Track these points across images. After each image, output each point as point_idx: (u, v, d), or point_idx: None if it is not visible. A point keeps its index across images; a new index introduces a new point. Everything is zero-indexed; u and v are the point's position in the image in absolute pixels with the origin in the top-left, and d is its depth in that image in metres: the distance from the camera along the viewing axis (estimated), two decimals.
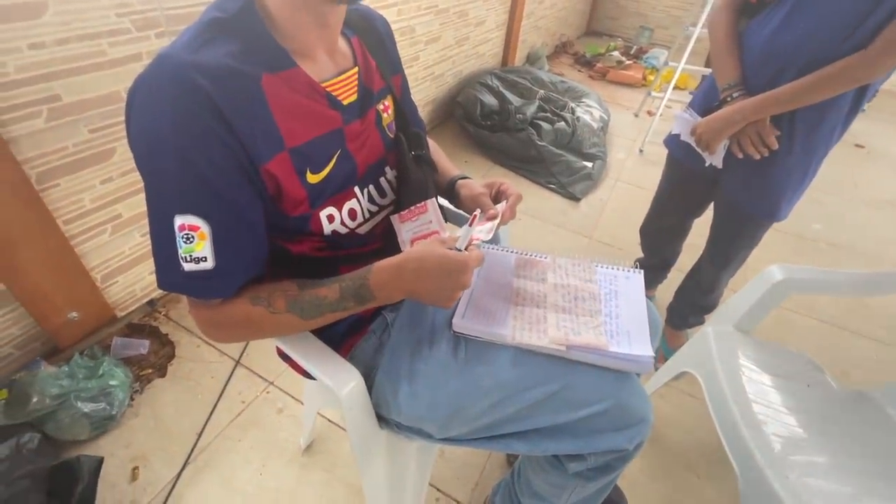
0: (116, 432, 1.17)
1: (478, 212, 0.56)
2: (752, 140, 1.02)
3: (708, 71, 3.29)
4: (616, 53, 4.08)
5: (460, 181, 0.78)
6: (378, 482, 0.81)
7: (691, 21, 2.80)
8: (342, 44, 0.63)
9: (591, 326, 0.64)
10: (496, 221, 0.65)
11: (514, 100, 2.78)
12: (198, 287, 0.52)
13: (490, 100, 2.69)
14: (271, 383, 1.32)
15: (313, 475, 1.12)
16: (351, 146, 0.61)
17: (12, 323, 1.17)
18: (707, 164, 1.14)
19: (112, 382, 1.18)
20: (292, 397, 1.29)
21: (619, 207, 2.32)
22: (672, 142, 1.29)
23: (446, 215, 0.81)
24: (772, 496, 0.74)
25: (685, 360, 1.08)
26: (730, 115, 1.01)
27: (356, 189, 0.64)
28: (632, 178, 2.58)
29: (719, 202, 1.26)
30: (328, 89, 0.58)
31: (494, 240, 0.95)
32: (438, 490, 1.12)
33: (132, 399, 1.23)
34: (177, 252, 0.49)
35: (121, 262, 1.34)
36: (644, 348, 0.61)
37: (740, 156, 1.06)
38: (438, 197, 0.74)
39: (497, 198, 0.73)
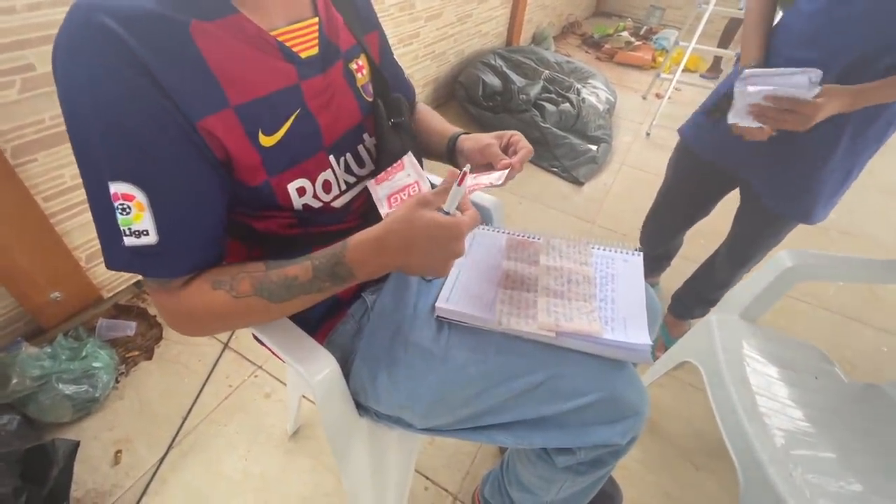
0: (100, 415, 1.14)
1: (467, 168, 0.48)
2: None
3: (720, 51, 3.16)
4: (625, 34, 3.95)
5: (463, 136, 0.70)
6: (358, 472, 0.77)
7: None
8: None
9: (585, 312, 0.59)
10: (506, 172, 0.58)
11: (518, 80, 2.69)
12: (145, 264, 0.45)
13: (493, 80, 2.61)
14: (260, 367, 1.29)
15: (299, 461, 1.10)
16: (311, 104, 0.54)
17: None
18: (730, 123, 0.93)
19: (96, 364, 1.15)
20: (280, 382, 1.26)
21: (624, 192, 2.25)
22: (689, 130, 1.18)
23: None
24: (774, 493, 0.70)
25: (687, 349, 1.03)
26: (826, 106, 0.83)
27: (331, 158, 0.58)
28: (637, 162, 2.51)
29: (747, 201, 1.17)
30: (280, 38, 0.51)
31: (486, 220, 0.90)
32: (427, 478, 1.09)
33: (117, 381, 1.21)
34: (117, 225, 0.43)
35: None
36: (641, 336, 0.57)
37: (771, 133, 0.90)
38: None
39: (507, 150, 0.65)
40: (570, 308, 0.60)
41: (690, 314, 1.45)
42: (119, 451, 1.07)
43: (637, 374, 0.60)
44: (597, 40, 4.00)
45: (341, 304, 0.67)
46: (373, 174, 0.65)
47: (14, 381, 1.04)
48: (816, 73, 0.79)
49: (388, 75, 0.68)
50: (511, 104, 2.51)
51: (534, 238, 0.74)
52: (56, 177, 1.13)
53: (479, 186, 0.54)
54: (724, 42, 3.40)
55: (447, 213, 0.48)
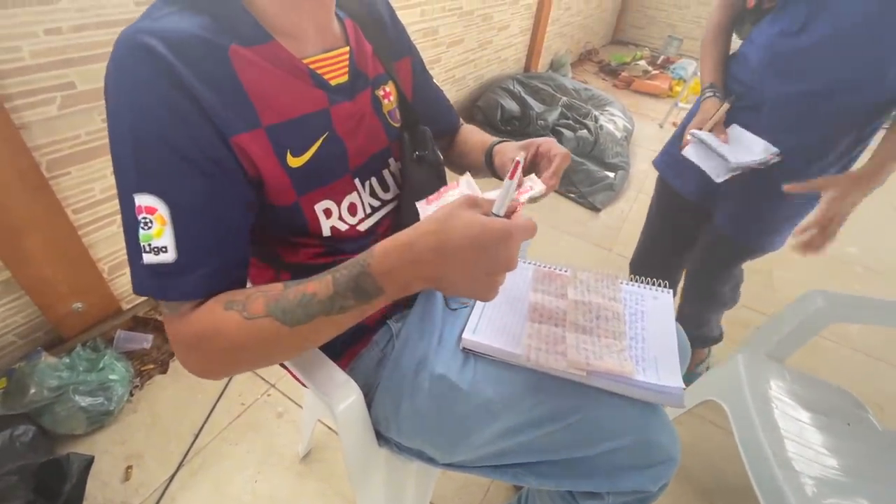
0: (113, 428, 1.14)
1: (520, 157, 0.42)
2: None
3: None
4: (642, 63, 3.99)
5: (497, 146, 0.67)
6: (374, 502, 0.76)
7: None
8: (334, 23, 0.57)
9: (615, 350, 0.58)
10: (541, 188, 0.54)
11: (536, 105, 2.72)
12: (160, 286, 0.43)
13: (511, 105, 2.64)
14: (273, 386, 1.28)
15: (309, 485, 1.08)
16: (339, 128, 0.55)
17: (17, 311, 1.15)
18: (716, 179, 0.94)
19: (112, 377, 1.15)
20: (293, 402, 1.25)
21: (641, 220, 2.20)
22: (662, 162, 1.16)
23: None
24: None
25: (711, 387, 1.00)
26: (859, 191, 0.84)
27: (356, 181, 0.59)
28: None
29: (707, 232, 1.13)
30: (311, 66, 0.52)
31: None
32: None
33: (131, 394, 1.21)
34: (139, 242, 0.43)
35: None
36: (674, 378, 0.55)
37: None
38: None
39: (538, 162, 0.61)
40: (599, 345, 0.59)
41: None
42: (130, 467, 1.07)
43: (668, 417, 0.58)
44: (614, 68, 4.05)
45: (366, 331, 0.67)
46: (397, 198, 0.65)
47: (32, 391, 1.05)
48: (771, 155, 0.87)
49: (423, 100, 0.69)
50: (529, 129, 2.54)
51: (561, 270, 0.73)
52: (87, 190, 1.16)
53: (519, 204, 0.49)
54: None
55: (497, 216, 0.40)
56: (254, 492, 1.05)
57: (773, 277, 1.93)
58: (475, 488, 1.10)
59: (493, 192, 0.46)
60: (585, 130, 2.55)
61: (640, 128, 3.10)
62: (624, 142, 2.71)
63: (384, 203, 0.64)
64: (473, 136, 0.77)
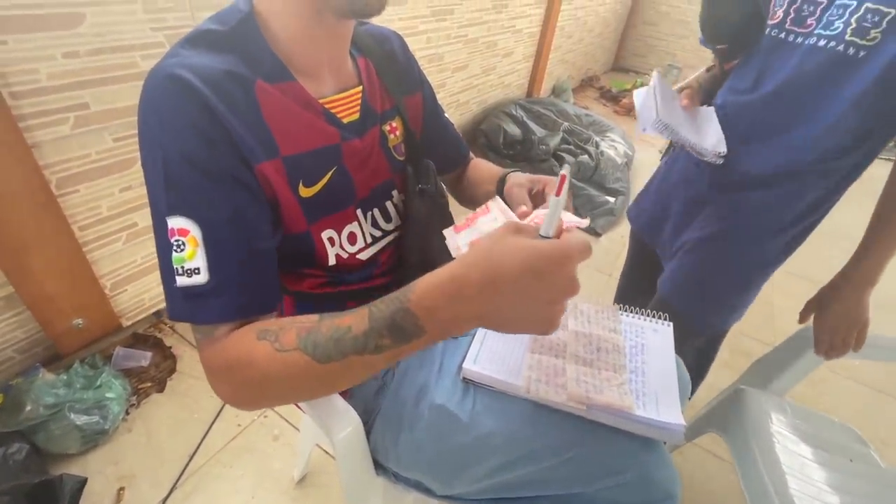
0: (107, 447, 1.13)
1: (566, 169, 0.39)
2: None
3: None
4: None
5: (510, 174, 0.67)
6: None
7: None
8: (348, 63, 0.60)
9: (615, 384, 0.58)
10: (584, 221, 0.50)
11: (538, 130, 2.77)
12: (194, 308, 0.44)
13: (513, 129, 2.68)
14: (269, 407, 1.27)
15: None
16: (348, 163, 0.57)
17: (17, 326, 1.16)
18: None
19: (109, 395, 1.14)
20: (290, 424, 1.24)
21: None
22: (634, 211, 1.13)
23: None
24: None
25: (712, 421, 1.00)
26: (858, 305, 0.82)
27: (358, 211, 0.60)
28: None
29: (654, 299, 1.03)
30: (327, 106, 0.55)
31: None
32: None
33: (127, 413, 1.20)
34: (171, 265, 0.44)
35: (132, 271, 1.33)
36: (674, 414, 0.55)
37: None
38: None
39: (541, 197, 0.61)
40: (599, 379, 0.59)
41: None
42: (122, 489, 1.05)
43: (668, 454, 0.58)
44: (615, 94, 4.12)
45: None
46: (400, 229, 0.66)
47: (28, 408, 1.04)
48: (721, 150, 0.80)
49: (432, 134, 0.71)
50: (531, 153, 2.57)
51: None
52: (94, 207, 1.17)
53: (566, 225, 0.45)
54: None
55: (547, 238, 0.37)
56: None
57: (774, 307, 1.93)
58: None
59: (540, 211, 0.45)
60: (586, 156, 2.58)
61: (641, 154, 3.14)
62: (625, 168, 2.75)
63: (386, 233, 0.65)
64: (483, 167, 0.78)
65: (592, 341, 0.65)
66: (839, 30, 0.70)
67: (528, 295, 0.35)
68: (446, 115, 0.78)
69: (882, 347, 0.89)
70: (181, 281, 0.44)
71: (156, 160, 0.43)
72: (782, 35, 0.78)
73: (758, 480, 0.78)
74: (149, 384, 1.28)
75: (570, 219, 0.48)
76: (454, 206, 0.81)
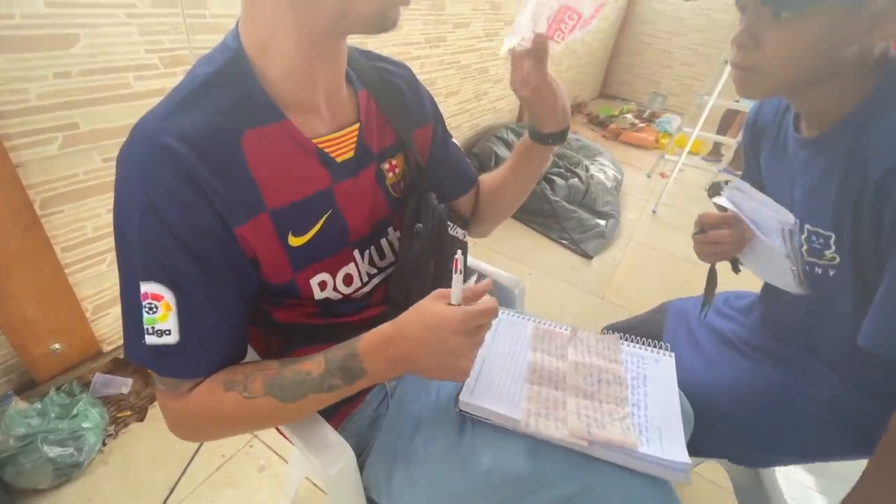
0: (81, 482, 1.07)
1: (458, 255, 0.48)
2: None
3: (720, 138, 3.29)
4: (629, 116, 4.18)
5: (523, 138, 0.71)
6: None
7: (706, 90, 2.86)
8: (346, 98, 0.58)
9: (617, 418, 0.56)
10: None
11: None
12: (161, 363, 0.46)
13: (505, 152, 2.72)
14: (255, 436, 1.22)
15: None
16: (342, 205, 0.56)
17: None
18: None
19: (85, 425, 1.09)
20: (277, 454, 1.19)
21: (633, 268, 2.26)
22: None
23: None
24: None
25: None
26: None
27: (355, 252, 0.59)
28: (645, 239, 2.54)
29: None
30: (320, 146, 0.53)
31: (509, 303, 0.89)
32: None
33: (104, 444, 1.14)
34: (141, 322, 0.45)
35: (115, 294, 1.28)
36: (679, 451, 0.54)
37: None
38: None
39: None
40: (601, 412, 0.58)
41: None
42: None
43: (674, 491, 0.56)
44: (603, 120, 4.22)
45: (360, 390, 0.65)
46: (393, 265, 0.65)
47: None
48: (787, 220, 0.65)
49: (440, 164, 0.70)
50: None
51: (561, 328, 0.72)
52: (78, 228, 1.14)
53: (485, 286, 0.52)
54: (723, 129, 3.58)
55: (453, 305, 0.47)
56: None
57: None
58: None
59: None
60: (577, 179, 2.62)
61: (629, 178, 3.19)
62: (614, 191, 2.79)
63: (381, 270, 0.64)
64: (496, 171, 0.78)
65: (593, 372, 0.64)
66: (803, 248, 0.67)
67: (434, 350, 0.47)
68: (454, 141, 0.77)
69: None
70: (151, 340, 0.45)
71: (132, 223, 0.43)
72: None
73: None
74: (128, 413, 1.22)
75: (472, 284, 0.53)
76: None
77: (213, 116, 0.45)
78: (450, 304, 0.48)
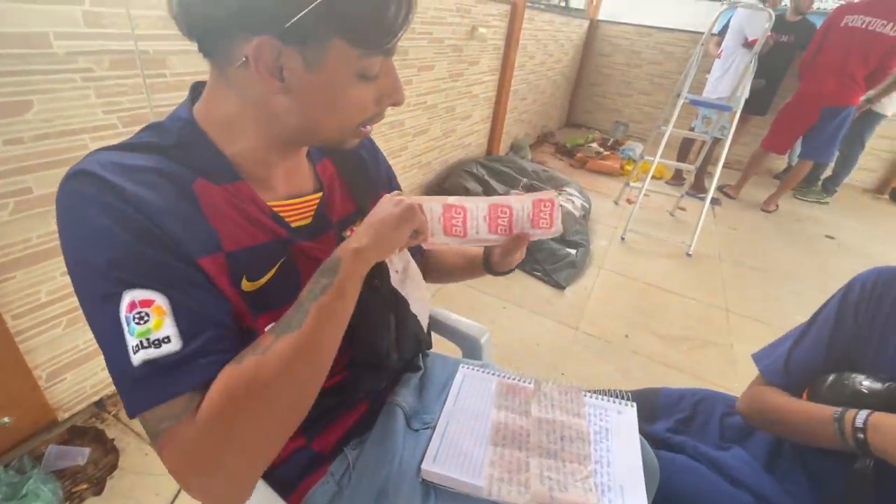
0: None
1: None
2: None
3: (680, 165, 3.43)
4: (594, 145, 4.34)
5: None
6: None
7: (663, 120, 3.01)
8: (305, 167, 0.60)
9: (580, 478, 0.57)
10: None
11: (499, 187, 2.87)
12: (162, 385, 0.40)
13: (475, 187, 2.77)
14: None
15: None
16: (299, 260, 0.56)
17: None
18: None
19: None
20: None
21: (605, 296, 2.30)
22: None
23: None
24: None
25: None
26: None
27: None
28: (615, 265, 2.60)
29: None
30: (275, 209, 0.54)
31: (475, 353, 0.89)
32: None
33: None
34: (127, 350, 0.40)
35: (73, 357, 1.23)
36: None
37: None
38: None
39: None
40: (563, 473, 0.58)
41: None
42: None
43: None
44: (569, 149, 4.37)
45: (321, 460, 0.63)
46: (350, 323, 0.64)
47: None
48: None
49: None
50: None
51: (525, 382, 0.73)
52: (31, 293, 1.10)
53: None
54: (682, 156, 3.75)
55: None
56: None
57: (735, 350, 1.99)
58: None
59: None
60: None
61: (597, 205, 3.29)
62: (583, 220, 2.86)
63: None
64: (455, 254, 0.83)
65: (556, 429, 0.64)
66: None
67: (381, 214, 0.55)
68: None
69: None
70: (144, 355, 0.40)
71: (99, 243, 0.41)
72: None
73: None
74: (84, 486, 1.15)
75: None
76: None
77: (163, 162, 0.46)
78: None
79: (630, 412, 0.68)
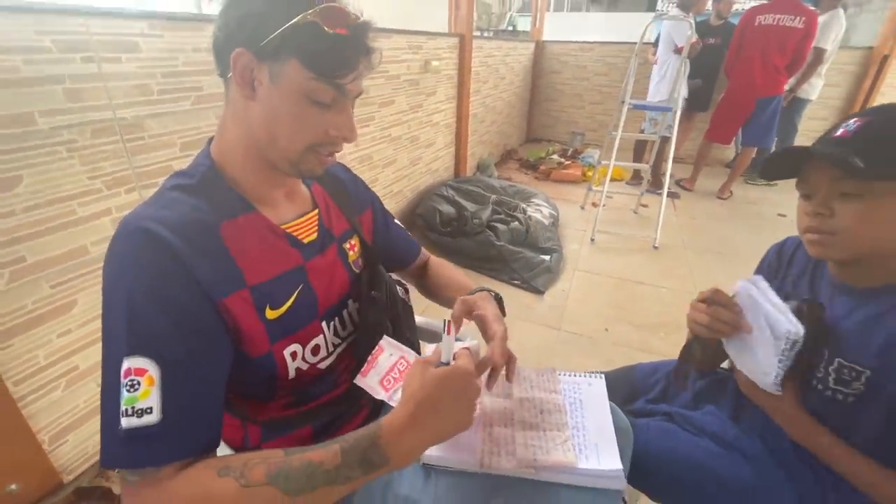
0: None
1: (448, 318, 0.56)
2: None
3: (636, 165, 3.63)
4: (555, 156, 4.56)
5: (470, 295, 0.73)
6: None
7: (613, 126, 3.22)
8: (302, 189, 0.70)
9: (559, 442, 0.65)
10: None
11: (470, 206, 3.00)
12: (137, 452, 0.43)
13: (447, 209, 2.89)
14: None
15: None
16: (313, 281, 0.65)
17: None
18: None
19: None
20: None
21: (581, 296, 2.42)
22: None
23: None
24: None
25: None
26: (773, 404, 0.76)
27: (322, 324, 0.67)
28: (589, 266, 2.74)
29: None
30: (288, 230, 0.64)
31: None
32: None
33: None
34: (119, 407, 0.44)
35: (73, 418, 1.26)
36: (613, 461, 0.63)
37: None
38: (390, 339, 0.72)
39: (478, 323, 0.70)
40: (545, 440, 0.66)
41: None
42: None
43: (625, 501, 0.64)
44: (532, 163, 4.57)
45: None
46: (353, 334, 0.73)
47: None
48: (796, 332, 0.66)
49: (383, 241, 0.82)
50: (466, 228, 2.76)
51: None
52: (30, 358, 1.14)
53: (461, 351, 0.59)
54: (638, 157, 3.99)
55: (447, 364, 0.55)
56: None
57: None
58: None
59: (431, 347, 0.63)
60: (517, 222, 2.81)
61: (565, 212, 3.45)
62: (553, 227, 3.00)
63: (343, 340, 0.72)
64: (448, 274, 0.91)
65: (536, 405, 0.73)
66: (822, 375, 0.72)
67: (454, 406, 0.52)
68: (396, 221, 0.90)
69: None
70: (127, 422, 0.43)
71: (120, 303, 0.47)
72: None
73: None
74: None
75: (459, 345, 0.63)
76: (417, 299, 0.91)
77: (192, 212, 0.54)
78: (441, 363, 0.55)
79: (599, 383, 0.77)
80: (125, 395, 0.44)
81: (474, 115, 3.81)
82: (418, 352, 0.78)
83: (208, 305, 0.52)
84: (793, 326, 0.66)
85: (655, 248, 2.93)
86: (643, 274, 2.64)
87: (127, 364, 0.45)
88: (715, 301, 0.75)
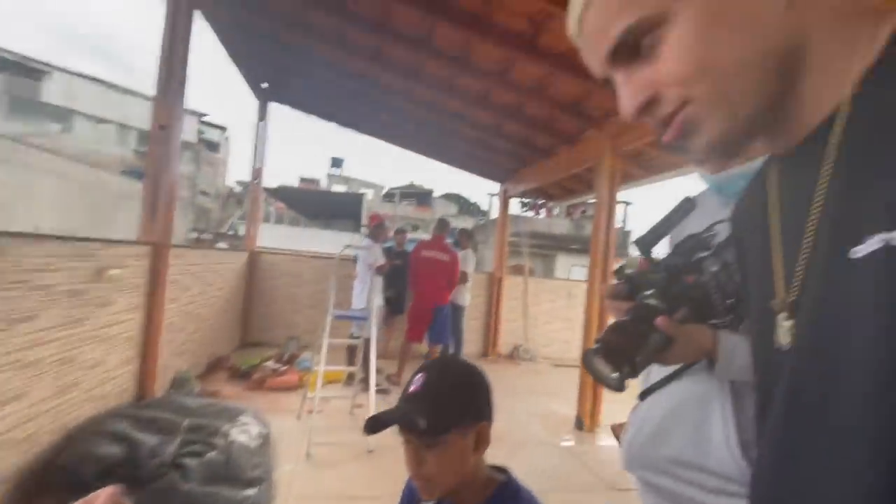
0: None
1: None
2: None
3: (346, 368, 3.86)
4: (270, 363, 4.36)
5: None
6: None
7: (321, 332, 3.40)
8: None
9: None
10: None
11: (150, 439, 2.33)
12: None
13: (111, 450, 2.17)
14: None
15: None
16: None
17: None
18: None
19: None
20: None
21: None
22: None
23: None
24: None
25: None
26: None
27: None
28: (305, 489, 2.46)
29: None
30: None
31: None
32: None
33: None
34: None
35: None
36: None
37: None
38: None
39: None
40: None
41: None
42: None
43: None
44: (245, 371, 4.20)
45: None
46: None
47: None
48: None
49: None
50: (139, 473, 2.12)
51: None
52: None
53: None
54: (350, 359, 4.26)
55: None
56: None
57: None
58: None
59: None
60: (214, 451, 2.35)
61: (279, 424, 3.14)
62: (262, 449, 2.62)
63: None
64: None
65: None
66: None
67: None
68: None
69: None
70: None
71: None
72: None
73: None
74: None
75: None
76: None
77: None
78: None
79: None
80: None
81: (171, 323, 3.36)
82: None
83: None
84: None
85: (370, 451, 2.94)
86: (358, 485, 2.54)
87: None
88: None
